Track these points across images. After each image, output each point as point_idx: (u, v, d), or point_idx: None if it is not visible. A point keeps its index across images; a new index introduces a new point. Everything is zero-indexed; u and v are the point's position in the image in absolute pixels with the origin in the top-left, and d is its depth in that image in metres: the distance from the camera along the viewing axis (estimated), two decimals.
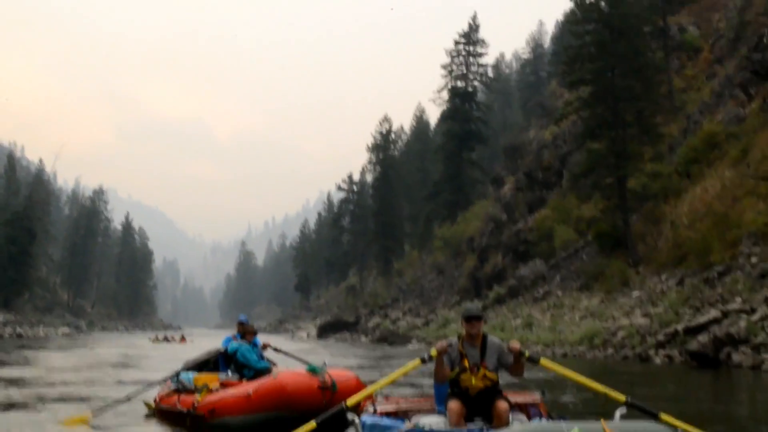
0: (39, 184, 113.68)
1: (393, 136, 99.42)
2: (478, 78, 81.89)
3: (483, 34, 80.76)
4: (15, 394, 16.29)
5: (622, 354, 27.12)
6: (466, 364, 7.42)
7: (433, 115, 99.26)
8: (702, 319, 24.43)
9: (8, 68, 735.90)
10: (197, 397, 11.08)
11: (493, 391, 7.40)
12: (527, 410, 8.02)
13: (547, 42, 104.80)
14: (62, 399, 15.33)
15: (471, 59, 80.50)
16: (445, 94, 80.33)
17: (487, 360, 7.44)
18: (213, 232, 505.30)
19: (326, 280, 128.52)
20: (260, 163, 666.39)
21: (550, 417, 7.84)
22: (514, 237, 53.98)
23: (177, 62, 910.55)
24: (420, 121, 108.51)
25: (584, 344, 30.13)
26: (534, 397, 8.29)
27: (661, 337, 25.79)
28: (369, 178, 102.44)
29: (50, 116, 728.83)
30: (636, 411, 6.73)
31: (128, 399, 12.71)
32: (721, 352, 21.68)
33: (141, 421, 12.11)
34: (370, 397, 8.13)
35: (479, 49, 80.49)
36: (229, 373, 12.63)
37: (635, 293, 34.21)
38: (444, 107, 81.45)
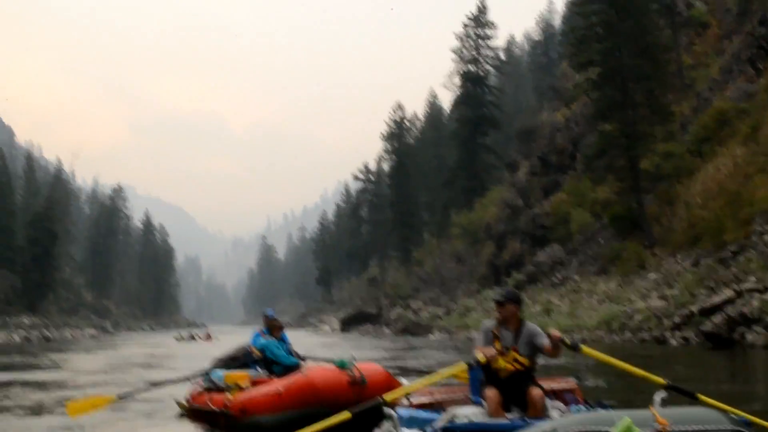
0: (58, 184, 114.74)
1: (407, 123, 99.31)
2: (489, 61, 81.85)
3: (492, 16, 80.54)
4: (45, 397, 16.53)
5: (640, 337, 27.32)
6: (498, 346, 7.36)
7: (447, 101, 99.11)
8: (716, 299, 24.59)
9: (22, 68, 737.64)
10: (228, 395, 11.08)
11: (525, 377, 7.29)
12: (563, 397, 7.86)
13: (557, 22, 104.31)
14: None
15: (481, 42, 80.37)
16: (456, 79, 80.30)
17: (519, 344, 7.34)
18: (233, 226, 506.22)
19: (347, 271, 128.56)
20: (277, 155, 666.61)
21: (586, 403, 7.75)
22: (531, 222, 54.11)
23: (189, 57, 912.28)
24: (433, 107, 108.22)
25: (602, 329, 30.35)
26: (569, 382, 8.21)
27: (677, 319, 25.99)
28: (385, 166, 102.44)
29: (66, 115, 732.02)
30: (673, 393, 6.67)
31: (152, 387, 12.94)
32: (735, 332, 21.88)
33: (174, 421, 12.24)
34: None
35: (488, 32, 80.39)
36: (259, 369, 12.45)
37: (651, 275, 34.35)
38: (456, 92, 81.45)
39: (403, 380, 10.60)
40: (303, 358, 13.04)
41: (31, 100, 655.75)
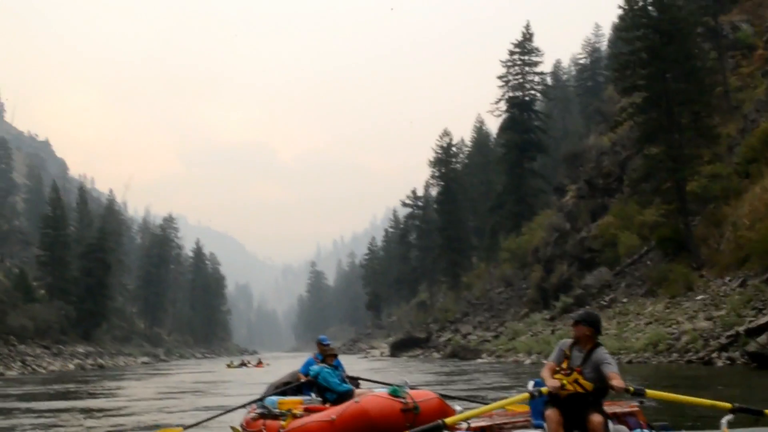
0: (110, 215, 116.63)
1: (454, 149, 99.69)
2: (535, 87, 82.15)
3: (538, 41, 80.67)
4: (102, 423, 17.05)
5: (686, 358, 27.40)
6: (564, 364, 7.52)
7: (494, 126, 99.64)
8: (762, 320, 24.68)
9: (72, 102, 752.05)
10: (282, 422, 11.06)
11: (586, 401, 7.30)
12: (626, 421, 7.82)
13: (604, 45, 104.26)
14: (152, 428, 15.93)
15: (526, 68, 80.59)
16: (502, 105, 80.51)
17: (585, 367, 7.41)
18: (283, 254, 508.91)
19: (397, 297, 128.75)
20: (326, 183, 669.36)
21: (650, 427, 7.82)
22: (578, 245, 54.19)
23: (235, 87, 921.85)
24: (480, 133, 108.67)
25: (649, 350, 30.43)
26: (632, 406, 8.13)
27: (723, 340, 26.10)
28: (433, 192, 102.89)
29: (116, 147, 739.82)
30: (740, 414, 6.74)
31: (215, 417, 13.02)
32: None
33: None
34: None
35: (534, 58, 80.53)
36: (313, 395, 12.55)
37: (699, 297, 34.37)
38: (502, 118, 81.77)
39: (457, 407, 10.67)
40: (357, 383, 13.29)
41: (83, 134, 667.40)
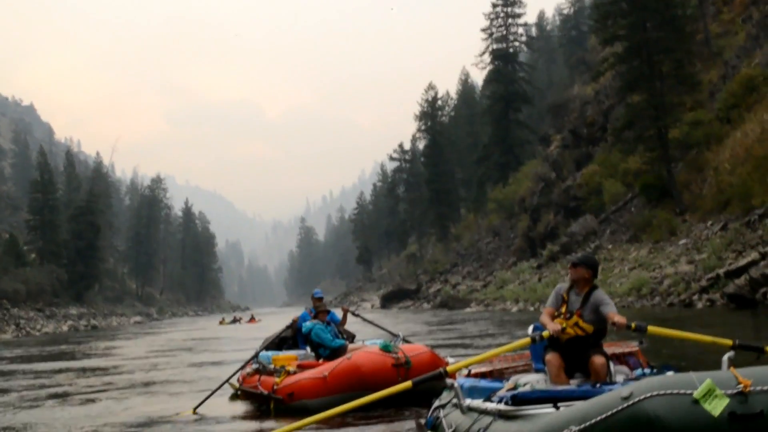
0: (98, 177, 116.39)
1: (440, 102, 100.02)
2: (519, 38, 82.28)
3: None
4: (96, 382, 17.50)
5: (668, 301, 28.07)
6: (563, 309, 7.49)
7: (479, 79, 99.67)
8: (742, 262, 25.29)
9: (57, 65, 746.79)
10: (276, 379, 11.35)
11: (588, 343, 7.30)
12: (626, 361, 7.87)
13: None
14: (148, 384, 16.49)
15: (510, 20, 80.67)
16: (487, 58, 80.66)
17: (584, 309, 7.36)
18: (272, 210, 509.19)
19: (387, 250, 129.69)
20: (313, 139, 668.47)
21: (650, 366, 7.76)
22: (564, 194, 54.77)
23: (220, 46, 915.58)
24: (465, 85, 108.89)
25: (632, 295, 31.10)
26: (631, 346, 8.14)
27: (704, 283, 26.73)
28: (420, 145, 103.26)
29: (102, 109, 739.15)
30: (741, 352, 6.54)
31: (217, 390, 12.64)
32: (758, 292, 22.62)
33: (227, 403, 12.63)
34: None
35: (517, 10, 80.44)
36: (308, 350, 12.82)
37: (681, 241, 35.05)
38: (487, 70, 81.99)
39: (450, 359, 11.14)
40: (352, 337, 13.50)
41: (68, 97, 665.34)
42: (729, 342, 6.63)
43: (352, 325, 14.45)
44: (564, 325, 7.32)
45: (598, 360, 7.06)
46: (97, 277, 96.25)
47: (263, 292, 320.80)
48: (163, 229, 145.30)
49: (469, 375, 7.82)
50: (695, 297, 26.46)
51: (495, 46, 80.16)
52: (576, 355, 7.24)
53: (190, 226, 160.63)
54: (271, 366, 12.04)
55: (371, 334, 16.79)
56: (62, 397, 14.46)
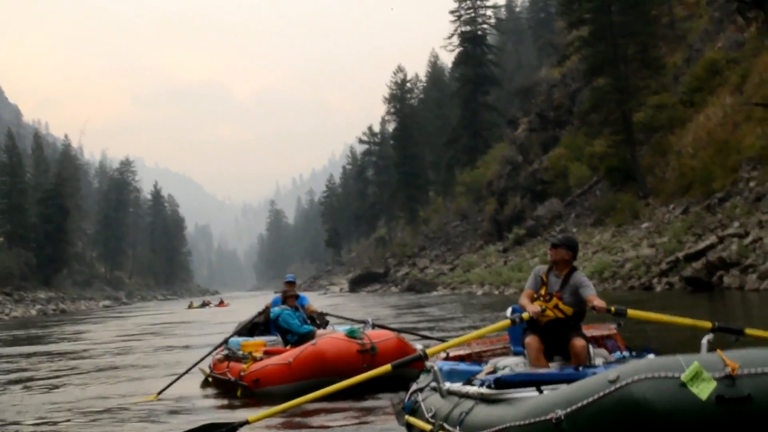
0: (67, 160, 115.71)
1: (409, 85, 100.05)
2: (487, 21, 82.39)
3: None
4: (62, 366, 17.25)
5: (629, 285, 28.41)
6: (543, 291, 7.35)
7: (448, 61, 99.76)
8: (700, 245, 25.66)
9: (23, 46, 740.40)
10: (243, 365, 11.27)
11: (567, 326, 7.16)
12: (604, 344, 7.72)
13: None
14: (114, 368, 16.26)
15: (478, 2, 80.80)
16: (455, 40, 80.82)
17: (564, 292, 7.23)
18: (242, 193, 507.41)
19: (356, 233, 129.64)
20: (283, 121, 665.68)
21: (628, 349, 7.68)
22: (531, 177, 55.08)
23: (190, 27, 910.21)
24: (435, 68, 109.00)
25: (594, 278, 31.31)
26: (610, 328, 7.96)
27: (663, 266, 27.09)
28: (390, 128, 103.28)
29: (70, 91, 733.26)
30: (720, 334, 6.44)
31: (182, 376, 12.39)
32: (714, 276, 22.93)
33: (197, 389, 12.38)
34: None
35: None
36: (279, 336, 12.53)
37: (644, 225, 35.39)
38: (456, 53, 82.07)
39: (418, 346, 11.10)
40: (324, 322, 13.22)
41: (35, 78, 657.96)
42: (708, 324, 6.59)
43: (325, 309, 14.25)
44: (543, 306, 7.20)
45: (579, 343, 6.95)
46: (65, 261, 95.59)
47: (233, 276, 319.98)
48: (132, 212, 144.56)
49: (447, 358, 7.74)
50: (655, 280, 26.81)
51: (463, 29, 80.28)
52: (555, 338, 7.14)
53: (159, 209, 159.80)
54: (240, 352, 12.00)
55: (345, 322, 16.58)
56: (26, 382, 14.41)
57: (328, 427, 8.65)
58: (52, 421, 9.92)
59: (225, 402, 11.05)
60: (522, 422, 4.87)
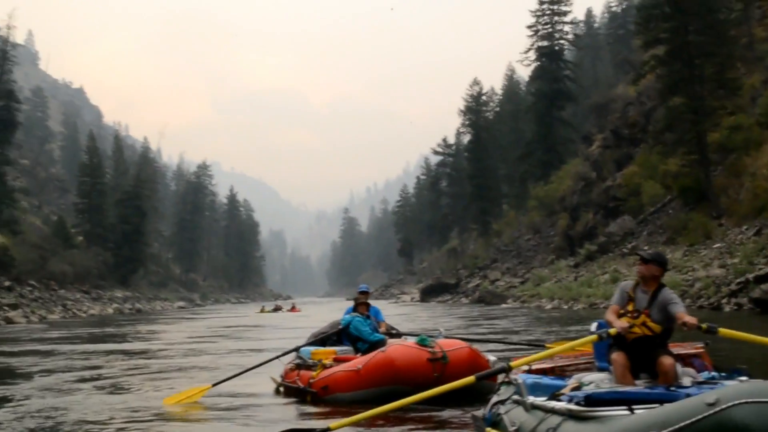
0: (145, 162, 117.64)
1: (484, 98, 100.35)
2: (564, 36, 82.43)
3: None
4: (139, 363, 18.21)
5: (698, 304, 28.53)
6: (630, 307, 7.27)
7: (525, 75, 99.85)
8: None
9: (106, 50, 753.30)
10: (313, 373, 11.28)
11: (654, 343, 7.07)
12: (691, 362, 7.47)
13: None
14: (183, 368, 17.01)
15: (556, 18, 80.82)
16: (532, 55, 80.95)
17: (652, 308, 7.16)
18: (316, 200, 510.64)
19: (428, 243, 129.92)
20: (359, 130, 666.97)
21: (716, 369, 7.39)
22: (603, 194, 55.18)
23: (267, 33, 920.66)
24: (511, 81, 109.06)
25: None
26: (696, 347, 7.80)
27: (733, 287, 27.20)
28: (464, 140, 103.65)
29: (150, 94, 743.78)
30: None
31: (245, 371, 12.78)
32: None
33: (267, 397, 12.34)
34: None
35: (563, 7, 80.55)
36: (350, 346, 12.46)
37: (716, 245, 35.43)
38: (532, 67, 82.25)
39: (490, 356, 10.88)
40: (398, 333, 13.05)
41: (116, 81, 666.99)
42: None
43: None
44: (631, 323, 7.13)
45: (667, 361, 6.85)
46: (142, 262, 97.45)
47: (305, 282, 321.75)
48: (207, 215, 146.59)
49: (529, 371, 7.46)
50: (723, 300, 26.95)
51: (540, 44, 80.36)
52: (642, 355, 7.03)
53: (234, 213, 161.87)
54: (310, 360, 12.04)
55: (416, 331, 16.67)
56: (97, 380, 14.80)
57: None
58: (126, 420, 10.08)
59: (296, 409, 11.04)
60: None
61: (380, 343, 11.70)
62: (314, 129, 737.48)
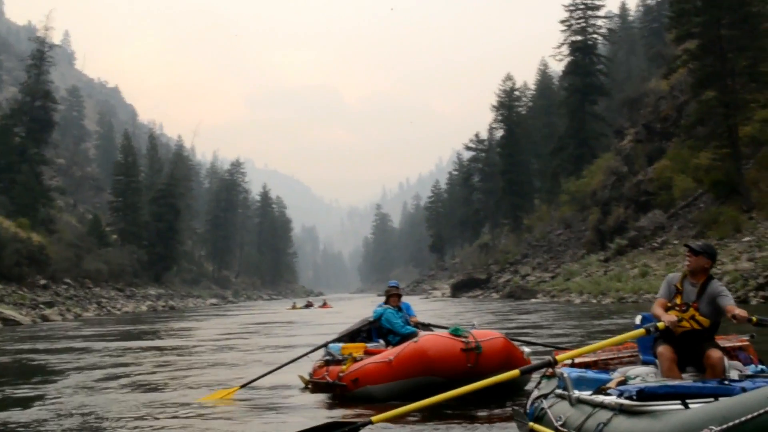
0: (179, 160, 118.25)
1: (517, 93, 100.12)
2: (597, 30, 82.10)
3: None
4: (174, 359, 18.56)
5: None
6: (678, 300, 7.11)
7: (558, 69, 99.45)
8: None
9: (139, 48, 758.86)
10: (342, 367, 11.00)
11: (701, 337, 6.94)
12: (736, 356, 7.30)
13: None
14: (215, 365, 17.25)
15: (589, 12, 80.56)
16: (565, 50, 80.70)
17: (701, 302, 6.99)
18: (349, 196, 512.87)
19: (460, 239, 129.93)
20: (392, 126, 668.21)
21: (761, 362, 7.29)
22: (635, 188, 54.99)
23: (299, 30, 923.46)
24: (544, 76, 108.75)
25: None
26: (742, 340, 7.56)
27: (761, 280, 27.18)
28: (497, 135, 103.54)
29: (183, 93, 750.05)
30: None
31: (272, 371, 12.67)
32: None
33: (295, 394, 12.16)
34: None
35: (596, 2, 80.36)
36: (381, 341, 12.19)
37: (746, 239, 35.32)
38: (565, 62, 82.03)
39: (525, 348, 10.78)
40: (428, 326, 12.77)
41: (151, 80, 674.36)
42: None
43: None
44: (680, 317, 6.98)
45: (716, 354, 6.67)
46: (175, 259, 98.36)
47: (337, 278, 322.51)
48: (240, 213, 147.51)
49: (573, 365, 7.29)
50: (751, 294, 26.90)
51: (573, 38, 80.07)
52: (689, 349, 6.89)
53: (267, 210, 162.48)
54: (340, 355, 11.74)
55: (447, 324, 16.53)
56: (127, 377, 14.93)
57: (451, 428, 8.52)
58: (162, 416, 10.10)
59: (329, 404, 10.89)
60: None
61: (412, 336, 11.43)
62: (346, 125, 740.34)
